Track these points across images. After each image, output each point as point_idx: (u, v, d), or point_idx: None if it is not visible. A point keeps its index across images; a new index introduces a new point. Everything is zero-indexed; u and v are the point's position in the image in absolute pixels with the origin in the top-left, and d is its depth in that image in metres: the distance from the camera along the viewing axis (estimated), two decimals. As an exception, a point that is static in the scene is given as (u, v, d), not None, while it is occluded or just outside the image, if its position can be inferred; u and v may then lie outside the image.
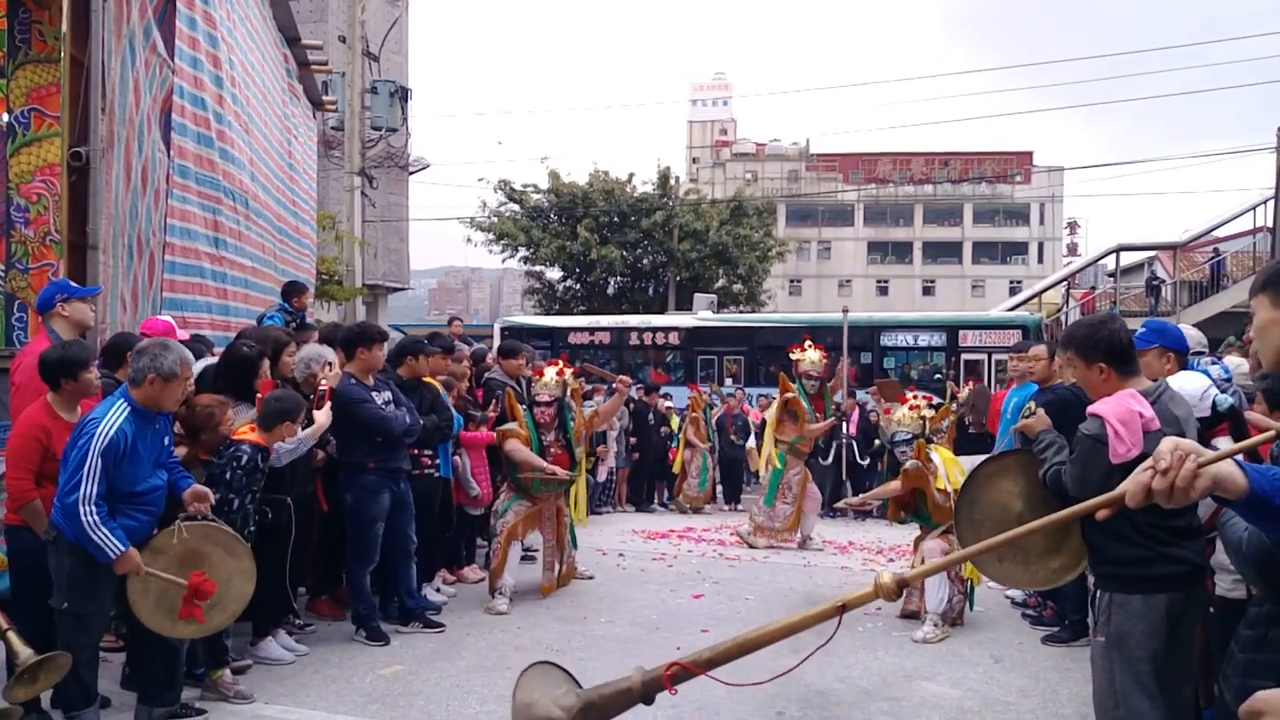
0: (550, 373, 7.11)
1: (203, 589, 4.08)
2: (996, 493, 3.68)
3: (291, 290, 8.20)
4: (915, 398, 7.14)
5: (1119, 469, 3.00)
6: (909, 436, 6.86)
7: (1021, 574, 3.71)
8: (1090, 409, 3.22)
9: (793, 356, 9.84)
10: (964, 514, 3.74)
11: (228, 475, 4.65)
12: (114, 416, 3.96)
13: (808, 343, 9.82)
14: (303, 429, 5.13)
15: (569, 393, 7.25)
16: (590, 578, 7.94)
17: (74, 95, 6.47)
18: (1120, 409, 3.09)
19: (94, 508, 3.83)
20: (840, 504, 7.81)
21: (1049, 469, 3.41)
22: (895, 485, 6.91)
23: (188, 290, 7.41)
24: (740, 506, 13.68)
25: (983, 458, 4.31)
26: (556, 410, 7.04)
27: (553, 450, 6.99)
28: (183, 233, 7.36)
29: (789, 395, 9.59)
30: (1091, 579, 3.48)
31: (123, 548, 3.90)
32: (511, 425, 6.94)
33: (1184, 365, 4.20)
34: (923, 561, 6.63)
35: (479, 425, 7.50)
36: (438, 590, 7.11)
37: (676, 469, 13.57)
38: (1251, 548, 2.02)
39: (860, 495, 7.28)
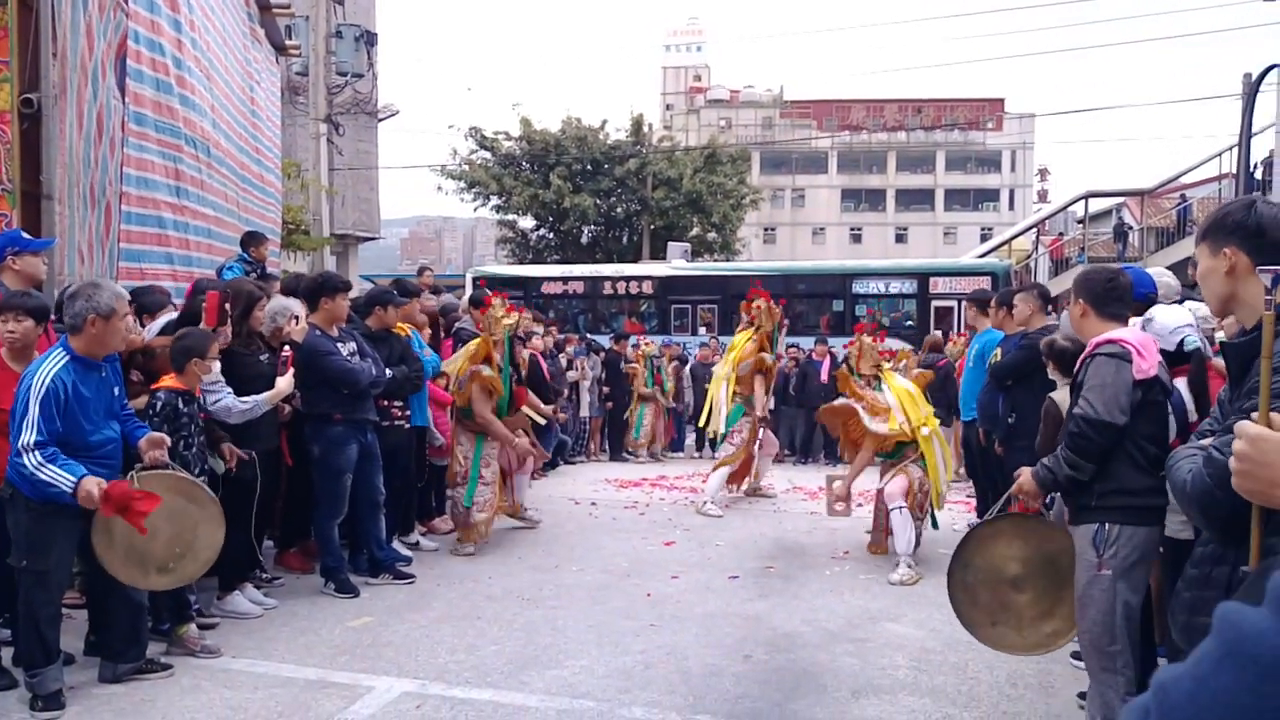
0: (514, 315, 7.40)
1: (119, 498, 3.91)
2: (991, 556, 3.68)
3: (250, 240, 8.01)
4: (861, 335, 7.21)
5: (1140, 385, 3.26)
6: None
7: (1015, 638, 3.74)
8: (1096, 339, 3.38)
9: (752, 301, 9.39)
10: (957, 576, 3.72)
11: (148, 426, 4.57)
12: (49, 365, 3.90)
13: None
14: (218, 366, 4.96)
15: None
16: (537, 523, 7.99)
17: (24, 40, 6.27)
18: (1134, 335, 3.39)
19: (36, 452, 3.77)
20: (835, 502, 7.47)
21: (1063, 454, 3.35)
22: (864, 457, 6.98)
23: (145, 241, 7.28)
24: (715, 455, 13.73)
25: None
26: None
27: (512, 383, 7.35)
28: (139, 182, 7.21)
29: (761, 356, 9.13)
30: (1066, 513, 3.53)
31: (74, 477, 3.79)
32: (484, 369, 6.94)
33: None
34: (883, 499, 6.74)
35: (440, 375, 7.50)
36: (416, 544, 7.12)
37: (633, 419, 13.63)
38: (1195, 488, 2.05)
39: (844, 484, 7.20)
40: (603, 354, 13.94)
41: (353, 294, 6.86)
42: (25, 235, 4.96)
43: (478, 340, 7.09)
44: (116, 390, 4.22)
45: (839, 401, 6.74)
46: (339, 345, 5.90)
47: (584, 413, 13.30)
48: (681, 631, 5.22)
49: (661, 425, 13.79)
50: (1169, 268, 5.51)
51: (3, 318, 4.20)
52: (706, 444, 13.30)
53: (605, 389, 13.54)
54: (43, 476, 3.78)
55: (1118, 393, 3.23)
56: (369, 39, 18.42)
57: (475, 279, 20.10)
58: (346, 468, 5.84)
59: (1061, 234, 31.35)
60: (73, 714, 3.99)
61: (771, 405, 12.70)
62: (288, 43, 12.82)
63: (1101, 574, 3.30)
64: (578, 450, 13.19)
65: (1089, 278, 3.58)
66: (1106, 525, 3.31)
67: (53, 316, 4.65)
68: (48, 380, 3.84)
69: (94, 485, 3.84)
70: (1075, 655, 4.57)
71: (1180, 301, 4.89)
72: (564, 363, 12.25)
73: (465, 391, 6.96)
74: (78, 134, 6.52)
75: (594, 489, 10.29)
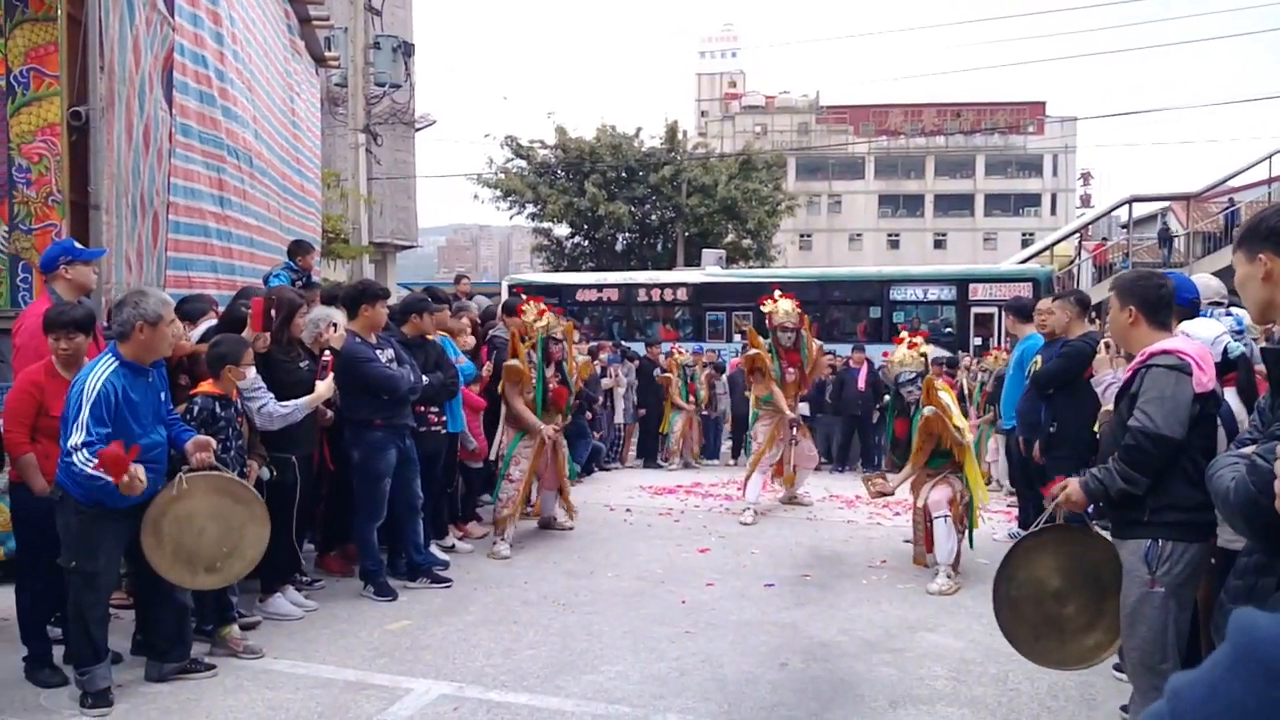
0: (550, 316, 7.56)
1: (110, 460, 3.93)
2: (1035, 568, 3.64)
3: (297, 249, 8.20)
4: (914, 337, 7.10)
5: (1199, 398, 3.18)
6: (913, 375, 6.89)
7: (1058, 652, 3.69)
8: (1151, 349, 3.30)
9: (764, 309, 9.21)
10: (1001, 590, 3.67)
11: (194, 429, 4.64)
12: (100, 371, 3.98)
13: (777, 292, 9.22)
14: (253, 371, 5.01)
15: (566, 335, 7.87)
16: (570, 528, 8.11)
17: (73, 54, 6.42)
18: (1192, 346, 3.28)
19: (84, 450, 3.85)
20: (871, 489, 7.31)
21: (1116, 466, 3.29)
22: (909, 469, 6.86)
23: (192, 250, 7.41)
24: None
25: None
26: (563, 350, 7.62)
27: (553, 384, 7.42)
28: (186, 192, 7.34)
29: (752, 353, 9.08)
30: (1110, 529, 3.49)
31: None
32: (514, 362, 7.15)
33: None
34: (927, 508, 6.64)
35: (474, 381, 7.61)
36: (452, 548, 7.20)
37: (664, 427, 13.63)
38: (1238, 497, 2.03)
39: (887, 481, 7.01)
40: (637, 361, 13.96)
41: (390, 301, 6.96)
42: (77, 245, 5.08)
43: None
44: (163, 395, 4.31)
45: (930, 411, 6.59)
46: (378, 352, 5.98)
47: (618, 419, 13.34)
48: (717, 639, 5.22)
49: (694, 432, 13.77)
50: (1215, 274, 5.40)
51: (54, 335, 4.31)
52: (741, 451, 13.31)
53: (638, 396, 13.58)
54: (92, 472, 3.86)
55: (1177, 406, 3.17)
56: (406, 50, 18.70)
57: (511, 286, 20.27)
58: (386, 472, 5.92)
59: (1105, 239, 30.95)
60: (120, 711, 4.08)
61: (805, 412, 12.71)
62: (327, 54, 13.02)
63: (1154, 591, 3.25)
64: (612, 457, 13.22)
65: (1141, 284, 3.48)
66: (1160, 541, 3.25)
67: (104, 323, 4.76)
68: (99, 385, 3.93)
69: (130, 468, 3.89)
70: (1117, 668, 4.52)
71: (1222, 304, 4.82)
72: (598, 370, 12.30)
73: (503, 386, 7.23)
74: (126, 145, 6.66)
75: (629, 495, 10.31)
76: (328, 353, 5.63)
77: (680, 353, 14.07)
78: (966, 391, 11.78)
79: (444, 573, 6.38)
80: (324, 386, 5.40)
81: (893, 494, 7.08)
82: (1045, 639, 3.67)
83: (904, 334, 7.22)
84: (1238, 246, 2.31)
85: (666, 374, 13.43)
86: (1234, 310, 4.69)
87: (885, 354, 7.51)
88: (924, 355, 6.96)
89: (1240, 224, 24.12)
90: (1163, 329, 3.42)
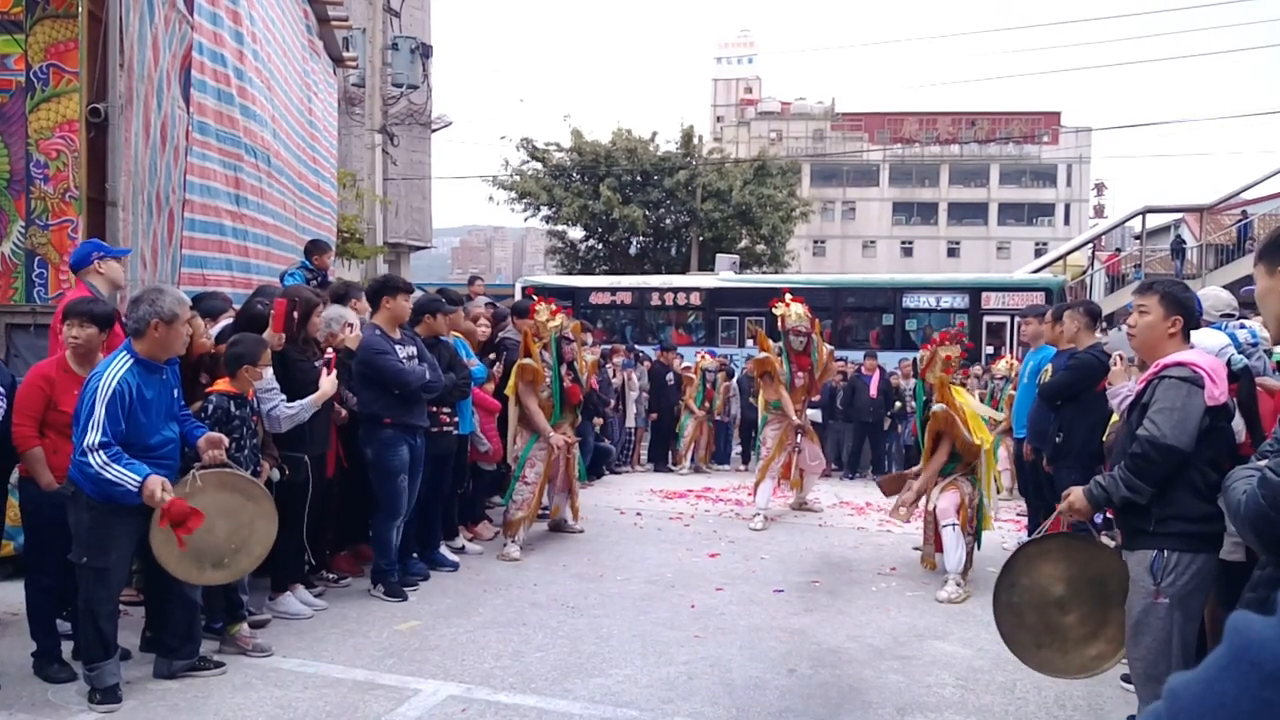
0: (561, 317, 7.59)
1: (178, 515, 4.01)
2: (1038, 575, 3.63)
3: (314, 248, 8.25)
4: (942, 344, 7.02)
5: (1210, 411, 3.19)
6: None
7: (1059, 661, 3.69)
8: (1166, 360, 3.31)
9: (776, 311, 9.10)
10: (1003, 597, 3.67)
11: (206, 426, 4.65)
12: (115, 368, 4.00)
13: (788, 295, 9.15)
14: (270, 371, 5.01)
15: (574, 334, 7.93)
16: (580, 531, 8.11)
17: (92, 51, 6.47)
18: (1205, 359, 3.29)
19: (101, 452, 3.86)
20: (898, 506, 7.13)
21: (1121, 474, 3.29)
22: (924, 473, 6.81)
23: (207, 248, 7.44)
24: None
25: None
26: (574, 349, 7.70)
27: (566, 382, 7.47)
28: (202, 190, 7.38)
29: (762, 357, 8.98)
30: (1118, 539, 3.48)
31: (139, 477, 3.89)
32: (527, 360, 7.17)
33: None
34: (935, 515, 6.63)
35: (487, 382, 7.63)
36: (462, 548, 7.20)
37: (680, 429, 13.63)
38: (1249, 509, 2.03)
39: (913, 492, 6.94)
40: (649, 364, 13.96)
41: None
42: (104, 244, 5.12)
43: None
44: (176, 392, 4.32)
45: (938, 409, 6.53)
46: (399, 348, 5.98)
47: (630, 423, 13.34)
48: (725, 644, 5.22)
49: (704, 437, 13.76)
50: (1226, 286, 5.39)
51: (68, 324, 4.34)
52: (751, 456, 13.28)
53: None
54: (108, 476, 3.87)
55: (1186, 418, 3.17)
56: (424, 51, 18.77)
57: (524, 288, 20.28)
58: (400, 468, 5.90)
59: (1118, 250, 30.81)
60: (129, 708, 4.09)
61: (818, 418, 12.65)
62: (345, 55, 13.08)
63: (1159, 602, 3.24)
64: (623, 460, 13.22)
65: (1188, 296, 3.46)
66: (1165, 552, 3.25)
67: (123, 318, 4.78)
68: (114, 383, 3.95)
69: (158, 485, 3.93)
70: (1125, 678, 4.49)
71: (1235, 316, 4.80)
72: (610, 373, 12.30)
73: (513, 384, 7.25)
74: (144, 143, 6.70)
75: (639, 499, 10.30)
76: (330, 349, 5.62)
77: (704, 358, 14.05)
78: (979, 399, 11.74)
79: (413, 586, 6.17)
80: (327, 384, 5.36)
81: (914, 501, 6.95)
82: (1047, 647, 3.66)
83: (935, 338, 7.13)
84: (1259, 260, 2.31)
85: (689, 374, 13.43)
86: (1246, 323, 4.67)
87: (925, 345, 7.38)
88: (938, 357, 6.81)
89: (1253, 236, 23.95)
90: (1187, 341, 3.45)
